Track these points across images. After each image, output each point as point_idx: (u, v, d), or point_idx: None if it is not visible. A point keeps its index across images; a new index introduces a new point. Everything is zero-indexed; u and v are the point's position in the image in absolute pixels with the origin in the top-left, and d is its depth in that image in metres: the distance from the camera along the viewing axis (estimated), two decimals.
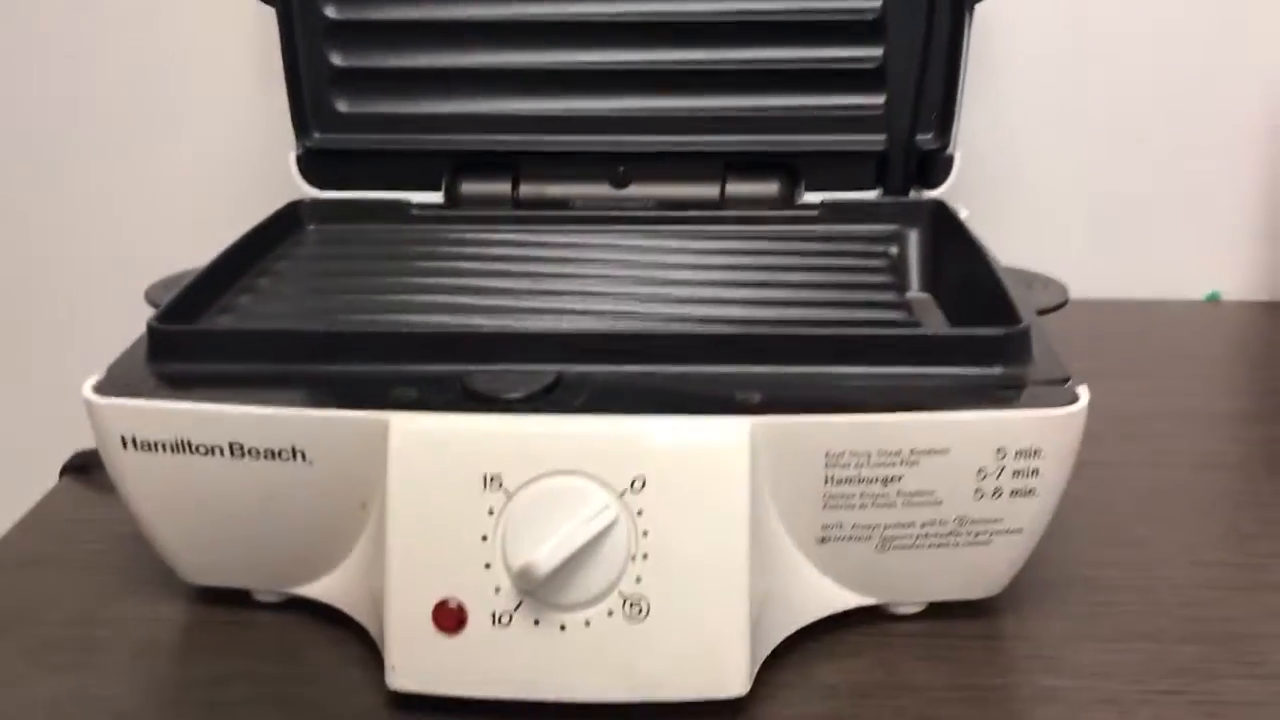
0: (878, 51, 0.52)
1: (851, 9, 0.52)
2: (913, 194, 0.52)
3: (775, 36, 0.52)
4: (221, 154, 0.68)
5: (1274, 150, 0.65)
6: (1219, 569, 0.42)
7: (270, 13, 0.52)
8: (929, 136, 0.52)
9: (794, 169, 0.53)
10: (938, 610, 0.38)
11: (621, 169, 0.53)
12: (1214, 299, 0.67)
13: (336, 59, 0.53)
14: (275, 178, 0.53)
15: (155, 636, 0.38)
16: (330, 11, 0.52)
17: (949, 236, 0.48)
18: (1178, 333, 0.63)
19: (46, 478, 0.49)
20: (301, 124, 0.53)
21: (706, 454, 0.34)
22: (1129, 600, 0.40)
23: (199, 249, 0.45)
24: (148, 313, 0.39)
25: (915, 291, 0.49)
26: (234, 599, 0.39)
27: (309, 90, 0.53)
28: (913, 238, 0.50)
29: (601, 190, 0.53)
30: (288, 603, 0.39)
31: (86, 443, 0.48)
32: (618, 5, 0.52)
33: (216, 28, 0.65)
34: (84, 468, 0.49)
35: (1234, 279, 0.67)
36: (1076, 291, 0.62)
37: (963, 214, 0.49)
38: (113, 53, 0.67)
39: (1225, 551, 0.43)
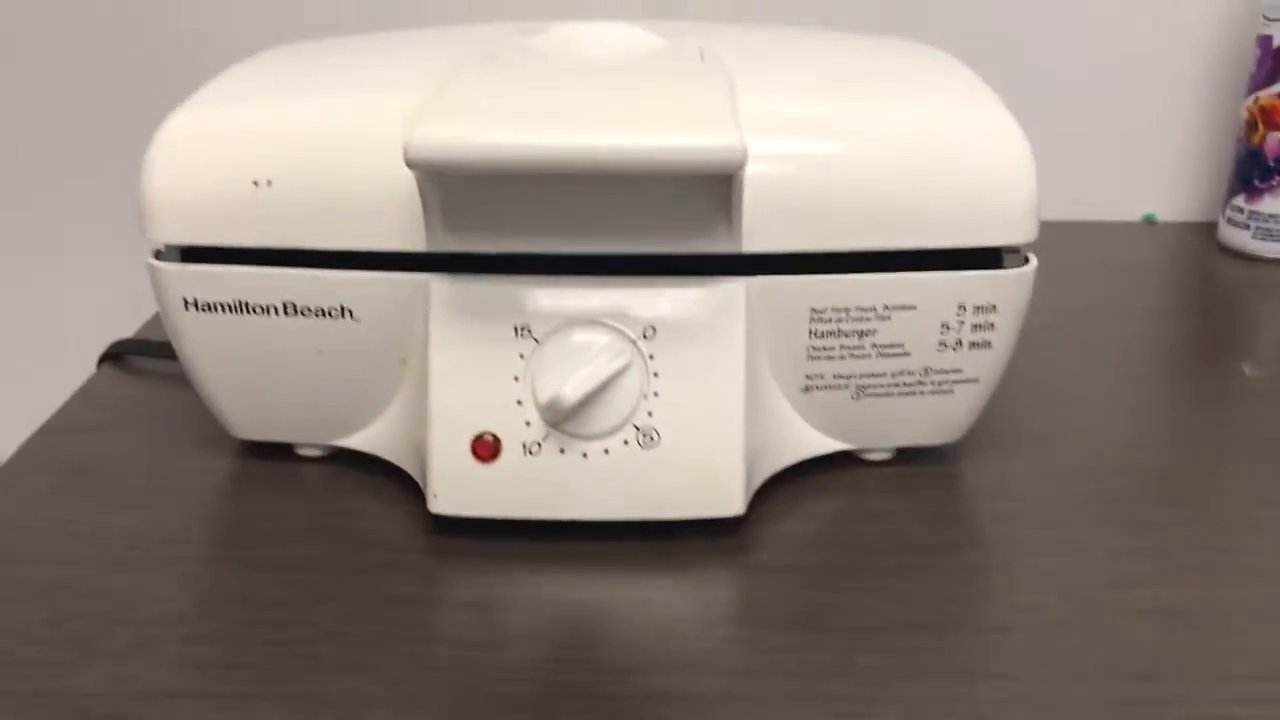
0: None
1: None
2: None
3: None
4: None
5: (1203, 90, 0.71)
6: (1144, 425, 0.48)
7: None
8: None
9: None
10: (905, 455, 0.44)
11: None
12: (1150, 220, 0.73)
13: None
14: None
15: (211, 483, 0.43)
16: None
17: None
18: (1118, 247, 0.69)
19: (78, 366, 0.53)
20: None
21: (709, 309, 0.39)
22: (1071, 448, 0.45)
23: None
24: None
25: None
26: (279, 453, 0.44)
27: None
28: None
29: None
30: (329, 456, 0.44)
31: (120, 334, 0.52)
32: None
33: None
34: (119, 356, 0.53)
35: (1169, 202, 0.73)
36: None
37: None
38: None
39: (1151, 413, 0.49)
